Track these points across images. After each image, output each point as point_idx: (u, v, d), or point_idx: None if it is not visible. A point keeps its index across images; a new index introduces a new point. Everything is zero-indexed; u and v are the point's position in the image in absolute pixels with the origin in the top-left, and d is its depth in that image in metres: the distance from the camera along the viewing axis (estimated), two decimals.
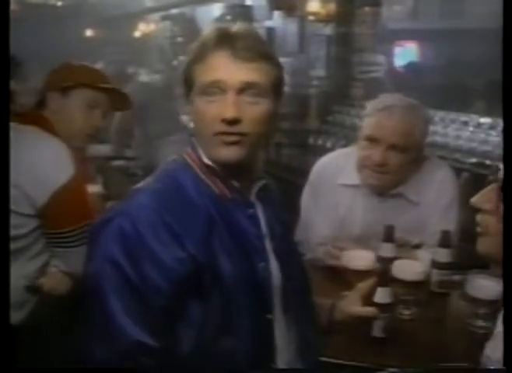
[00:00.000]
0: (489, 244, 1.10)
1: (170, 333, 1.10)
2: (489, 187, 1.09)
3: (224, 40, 1.11)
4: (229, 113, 1.08)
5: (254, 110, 1.11)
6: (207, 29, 1.17)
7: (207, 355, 1.11)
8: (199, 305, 1.10)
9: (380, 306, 1.42)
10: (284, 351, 1.22)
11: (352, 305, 1.36)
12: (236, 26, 1.14)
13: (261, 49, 1.12)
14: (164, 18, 7.04)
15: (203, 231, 1.11)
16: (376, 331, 1.49)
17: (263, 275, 1.17)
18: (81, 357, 1.11)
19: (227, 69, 1.10)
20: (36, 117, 1.77)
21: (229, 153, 1.11)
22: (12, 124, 1.48)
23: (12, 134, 1.29)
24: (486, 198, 1.09)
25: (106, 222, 1.11)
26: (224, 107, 1.09)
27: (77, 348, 1.13)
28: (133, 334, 1.05)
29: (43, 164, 1.60)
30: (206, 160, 1.16)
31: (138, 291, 1.06)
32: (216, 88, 1.10)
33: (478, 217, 1.11)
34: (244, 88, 1.10)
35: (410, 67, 4.84)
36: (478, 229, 1.11)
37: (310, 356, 1.29)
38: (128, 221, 1.08)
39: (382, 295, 1.45)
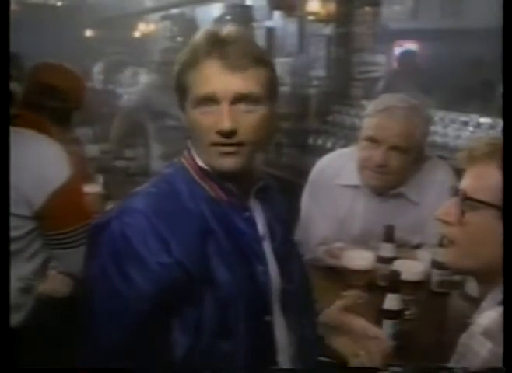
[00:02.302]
0: (454, 255, 1.12)
1: (158, 337, 1.10)
2: (452, 200, 1.12)
3: (215, 45, 1.09)
4: (225, 125, 1.07)
5: (249, 119, 1.10)
6: (199, 31, 1.15)
7: (204, 358, 1.11)
8: (193, 311, 1.10)
9: (390, 312, 1.40)
10: (284, 352, 1.22)
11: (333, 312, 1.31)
12: (227, 29, 1.12)
13: (252, 53, 1.10)
14: (164, 18, 7.03)
15: (195, 239, 1.11)
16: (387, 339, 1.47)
17: (262, 278, 1.17)
18: (74, 358, 1.12)
19: (220, 80, 1.08)
20: (33, 119, 1.77)
21: (227, 163, 1.11)
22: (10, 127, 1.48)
23: (10, 136, 1.29)
24: (448, 211, 1.12)
25: (100, 226, 1.12)
26: (219, 119, 1.08)
27: (72, 349, 1.14)
28: (111, 336, 1.06)
29: (40, 165, 1.60)
30: (201, 163, 1.16)
31: (122, 295, 1.06)
32: (210, 100, 1.09)
33: (443, 230, 1.13)
34: (238, 98, 1.09)
35: (410, 67, 4.85)
36: (444, 241, 1.13)
37: (310, 356, 1.28)
38: (118, 225, 1.08)
39: (392, 302, 1.42)
